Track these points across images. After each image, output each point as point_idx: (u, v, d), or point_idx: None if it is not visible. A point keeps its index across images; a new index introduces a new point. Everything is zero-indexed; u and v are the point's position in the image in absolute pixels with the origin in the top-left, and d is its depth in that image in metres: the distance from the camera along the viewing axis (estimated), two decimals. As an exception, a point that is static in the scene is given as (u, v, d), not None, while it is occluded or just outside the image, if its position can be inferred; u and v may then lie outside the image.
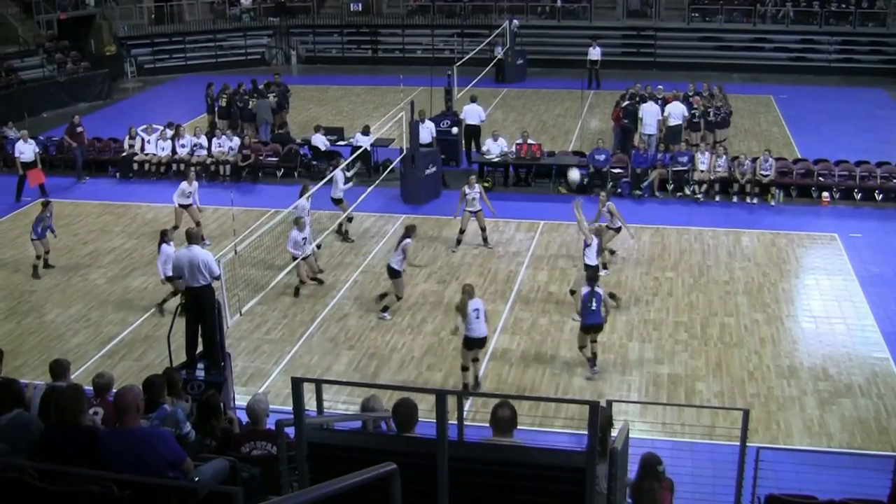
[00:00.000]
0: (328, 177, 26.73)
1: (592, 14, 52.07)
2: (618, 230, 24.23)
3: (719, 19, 50.53)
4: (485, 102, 41.03)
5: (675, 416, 17.57)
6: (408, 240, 21.98)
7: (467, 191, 25.64)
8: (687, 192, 29.63)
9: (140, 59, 51.93)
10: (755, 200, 29.19)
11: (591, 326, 19.10)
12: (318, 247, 24.85)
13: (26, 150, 30.63)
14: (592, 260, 21.58)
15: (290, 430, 8.21)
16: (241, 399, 17.34)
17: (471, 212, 25.78)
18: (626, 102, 34.11)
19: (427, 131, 30.98)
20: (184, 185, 26.71)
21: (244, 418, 12.72)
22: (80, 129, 32.94)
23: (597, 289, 19.14)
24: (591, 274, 20.01)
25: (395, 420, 9.18)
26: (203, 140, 32.95)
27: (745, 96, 42.28)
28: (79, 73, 45.76)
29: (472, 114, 33.45)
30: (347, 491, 5.84)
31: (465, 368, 18.77)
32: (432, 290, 23.37)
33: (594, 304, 18.97)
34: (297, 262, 23.11)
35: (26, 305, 23.21)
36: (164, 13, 54.09)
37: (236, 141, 32.86)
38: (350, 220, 26.97)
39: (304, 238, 23.12)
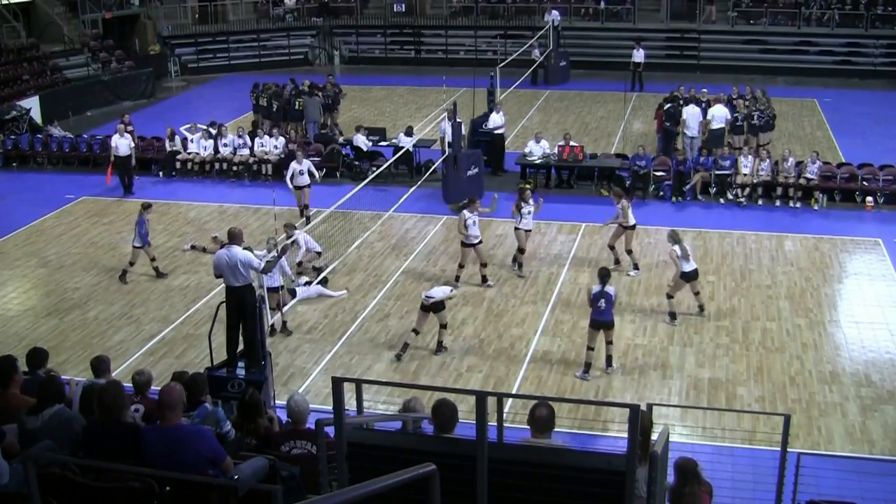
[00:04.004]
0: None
1: (636, 16, 51.91)
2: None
3: (763, 22, 50.23)
4: (527, 104, 41.12)
5: (715, 421, 17.48)
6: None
7: (522, 205, 24.46)
8: (729, 195, 29.45)
9: (184, 58, 52.24)
10: (798, 204, 29.01)
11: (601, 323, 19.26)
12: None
13: (122, 144, 30.97)
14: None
15: (331, 430, 8.23)
16: (281, 398, 17.42)
17: (525, 230, 24.62)
18: (668, 105, 33.97)
19: (494, 122, 31.16)
20: None
21: (284, 417, 12.75)
22: (129, 129, 33.19)
23: (607, 288, 19.21)
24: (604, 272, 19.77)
25: (434, 421, 9.17)
26: (246, 139, 33.08)
27: (790, 100, 41.98)
28: (123, 71, 46.13)
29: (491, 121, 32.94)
30: (386, 491, 5.85)
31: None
32: (473, 292, 23.35)
33: (604, 303, 19.11)
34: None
35: (69, 302, 23.40)
36: (207, 13, 54.43)
37: (281, 140, 32.99)
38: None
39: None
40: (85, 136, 34.87)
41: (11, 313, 23.01)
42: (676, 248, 21.45)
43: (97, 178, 31.81)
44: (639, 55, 44.57)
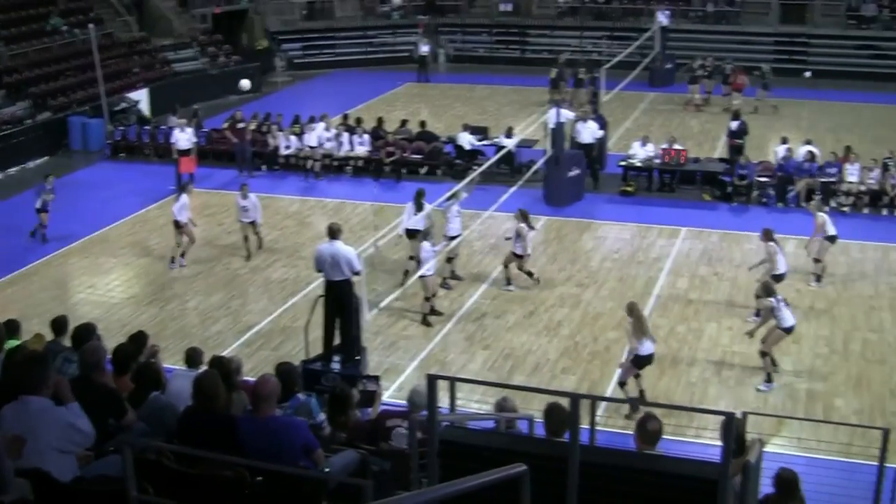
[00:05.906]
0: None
1: (743, 19, 51.06)
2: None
3: (876, 27, 49.07)
4: (631, 107, 40.80)
5: (811, 432, 17.17)
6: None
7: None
8: (833, 203, 28.79)
9: (290, 53, 52.74)
10: (907, 214, 28.45)
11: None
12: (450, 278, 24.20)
13: (181, 137, 31.45)
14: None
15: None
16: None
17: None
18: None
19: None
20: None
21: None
22: (241, 125, 33.54)
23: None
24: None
25: (546, 424, 9.17)
26: (344, 136, 33.31)
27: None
28: (230, 66, 46.74)
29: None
30: (476, 490, 5.82)
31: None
32: (570, 294, 23.27)
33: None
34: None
35: (170, 292, 23.78)
36: (315, 9, 54.94)
37: (366, 137, 33.28)
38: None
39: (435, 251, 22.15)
40: (206, 129, 35.58)
41: (115, 300, 23.45)
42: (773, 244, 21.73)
43: (202, 170, 32.20)
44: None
